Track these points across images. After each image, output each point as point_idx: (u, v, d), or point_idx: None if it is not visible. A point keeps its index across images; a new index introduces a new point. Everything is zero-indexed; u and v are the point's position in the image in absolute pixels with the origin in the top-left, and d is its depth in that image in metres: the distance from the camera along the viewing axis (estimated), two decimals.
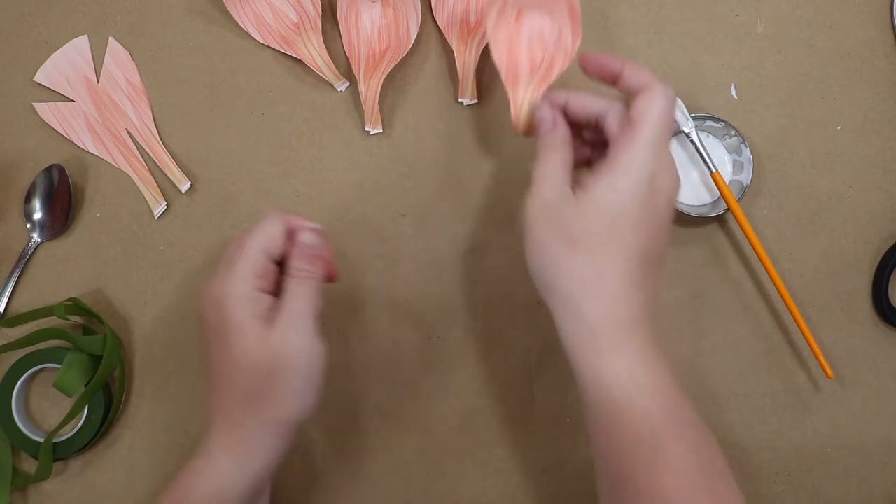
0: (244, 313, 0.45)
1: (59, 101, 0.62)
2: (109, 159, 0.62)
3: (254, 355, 0.45)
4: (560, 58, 0.53)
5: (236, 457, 0.46)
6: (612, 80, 0.48)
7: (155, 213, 0.61)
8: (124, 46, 0.63)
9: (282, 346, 0.45)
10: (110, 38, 0.63)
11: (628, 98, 0.47)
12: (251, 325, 0.45)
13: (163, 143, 0.62)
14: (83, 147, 0.62)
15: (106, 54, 0.63)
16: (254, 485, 0.47)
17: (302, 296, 0.46)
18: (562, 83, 0.52)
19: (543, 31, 0.53)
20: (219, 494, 0.46)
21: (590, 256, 0.44)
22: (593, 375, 0.44)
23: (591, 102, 0.49)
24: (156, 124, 0.62)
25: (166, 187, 0.62)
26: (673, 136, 0.60)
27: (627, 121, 0.45)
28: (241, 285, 0.46)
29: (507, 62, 0.53)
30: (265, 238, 0.47)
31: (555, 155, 0.48)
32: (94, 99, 0.62)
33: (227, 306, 0.46)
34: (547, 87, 0.52)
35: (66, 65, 0.63)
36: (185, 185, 0.61)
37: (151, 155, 0.62)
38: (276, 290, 0.48)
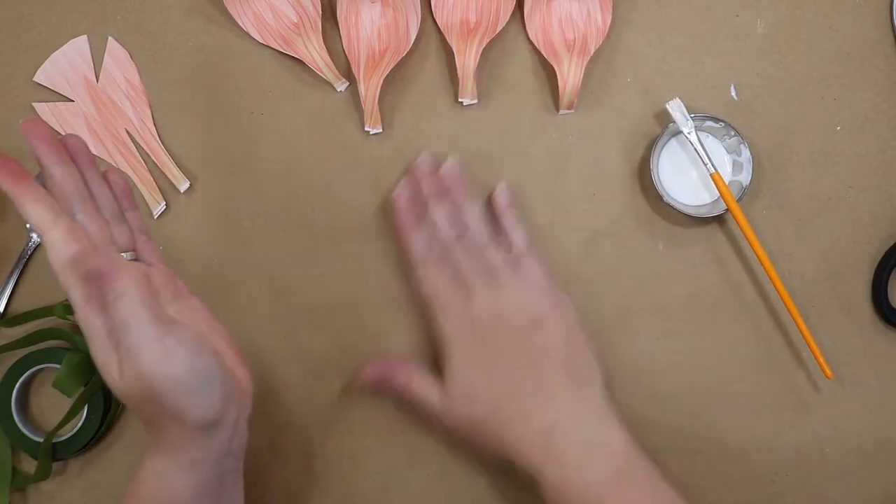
0: (96, 352, 0.44)
1: (58, 101, 0.62)
2: (109, 159, 0.62)
3: (125, 388, 0.43)
4: (593, 35, 0.60)
5: (169, 456, 0.46)
6: None
7: (154, 214, 0.61)
8: (124, 46, 0.63)
9: (134, 371, 0.42)
10: (110, 38, 0.63)
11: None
12: (108, 361, 0.44)
13: (162, 143, 0.62)
14: None
15: (105, 54, 0.63)
16: (192, 479, 0.46)
17: (119, 308, 0.42)
18: (601, 56, 0.60)
19: (572, 12, 0.60)
20: (165, 492, 0.46)
21: (495, 442, 0.54)
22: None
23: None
24: (155, 124, 0.62)
25: (165, 187, 0.62)
26: (672, 136, 0.60)
27: None
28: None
29: (544, 42, 0.60)
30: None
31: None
32: (93, 99, 0.62)
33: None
34: (587, 60, 0.59)
35: (65, 65, 0.62)
36: (184, 186, 0.61)
37: (151, 155, 0.62)
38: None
